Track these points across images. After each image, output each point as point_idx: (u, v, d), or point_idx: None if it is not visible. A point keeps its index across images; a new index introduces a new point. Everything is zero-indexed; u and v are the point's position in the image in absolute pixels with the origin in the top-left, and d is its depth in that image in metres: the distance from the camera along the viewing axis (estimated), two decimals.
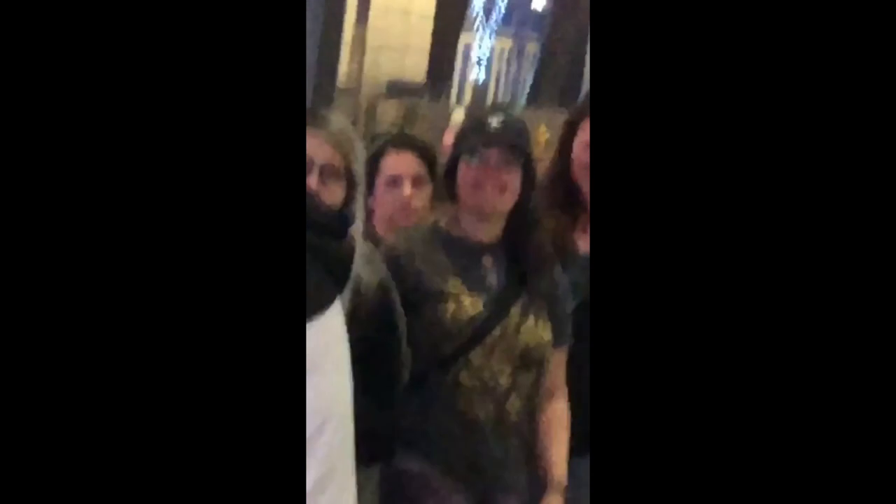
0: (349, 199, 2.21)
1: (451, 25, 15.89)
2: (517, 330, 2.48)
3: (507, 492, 2.50)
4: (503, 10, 15.39)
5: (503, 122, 2.49)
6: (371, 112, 11.51)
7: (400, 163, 2.81)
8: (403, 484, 2.41)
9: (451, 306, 2.43)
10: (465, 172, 2.49)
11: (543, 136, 8.85)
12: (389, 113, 11.70)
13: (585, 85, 13.86)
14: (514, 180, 2.48)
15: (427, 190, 2.83)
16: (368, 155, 2.47)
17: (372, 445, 1.91)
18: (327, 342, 1.25)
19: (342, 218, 2.08)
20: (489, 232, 2.52)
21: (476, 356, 2.43)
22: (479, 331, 2.44)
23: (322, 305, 1.25)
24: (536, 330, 2.51)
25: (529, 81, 17.31)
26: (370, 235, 2.50)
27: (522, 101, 16.08)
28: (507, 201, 2.49)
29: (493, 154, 2.46)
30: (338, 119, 2.28)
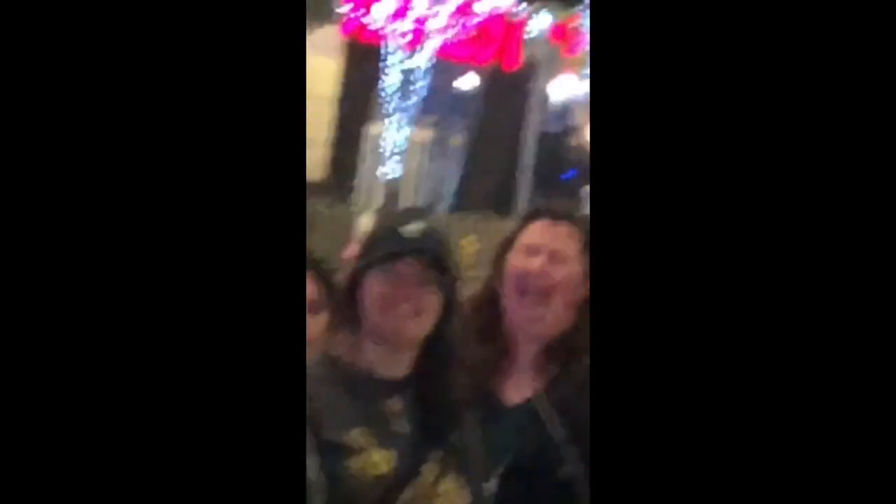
0: None
1: (357, 111, 16.00)
2: (431, 495, 2.44)
3: None
4: (422, 93, 15.52)
5: (421, 230, 2.50)
6: None
7: None
8: None
9: (356, 462, 2.37)
10: (372, 289, 2.47)
11: (471, 246, 8.87)
12: None
13: (522, 187, 13.96)
14: (431, 301, 2.46)
15: (321, 318, 2.79)
16: None
17: None
18: None
19: None
20: (398, 366, 2.50)
21: None
22: (387, 495, 2.38)
23: None
24: (454, 498, 2.47)
25: (454, 180, 17.43)
26: None
27: (444, 204, 16.16)
28: (423, 327, 2.47)
29: (408, 268, 2.45)
30: None
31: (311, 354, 2.56)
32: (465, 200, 16.17)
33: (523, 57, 16.23)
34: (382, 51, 15.31)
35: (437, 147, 19.58)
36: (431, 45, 15.38)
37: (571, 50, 16.05)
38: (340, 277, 2.85)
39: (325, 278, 2.91)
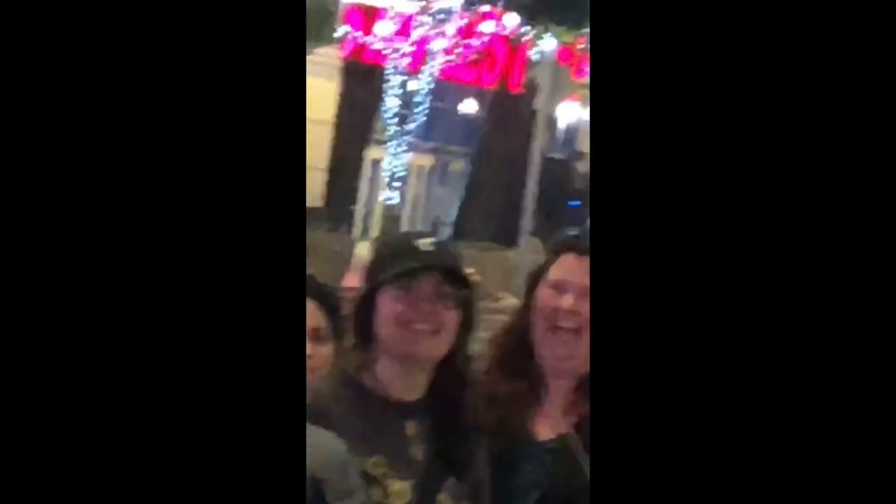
0: None
1: (356, 136, 15.91)
2: None
3: None
4: (422, 117, 15.42)
5: (435, 243, 2.53)
6: None
7: None
8: None
9: (375, 493, 2.38)
10: (386, 307, 2.46)
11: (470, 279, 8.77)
12: None
13: (526, 217, 13.82)
14: (449, 318, 2.46)
15: (328, 348, 2.80)
16: None
17: None
18: None
19: None
20: (414, 387, 2.48)
21: None
22: None
23: None
24: None
25: (455, 207, 17.33)
26: None
27: (445, 232, 16.03)
28: (440, 346, 2.46)
29: (423, 284, 2.44)
30: None
31: (319, 380, 2.58)
32: (465, 228, 16.12)
33: (529, 79, 16.10)
34: (383, 72, 15.22)
35: (439, 173, 19.52)
36: (433, 67, 15.28)
37: (580, 72, 15.89)
38: (344, 302, 2.85)
39: (329, 307, 2.83)
